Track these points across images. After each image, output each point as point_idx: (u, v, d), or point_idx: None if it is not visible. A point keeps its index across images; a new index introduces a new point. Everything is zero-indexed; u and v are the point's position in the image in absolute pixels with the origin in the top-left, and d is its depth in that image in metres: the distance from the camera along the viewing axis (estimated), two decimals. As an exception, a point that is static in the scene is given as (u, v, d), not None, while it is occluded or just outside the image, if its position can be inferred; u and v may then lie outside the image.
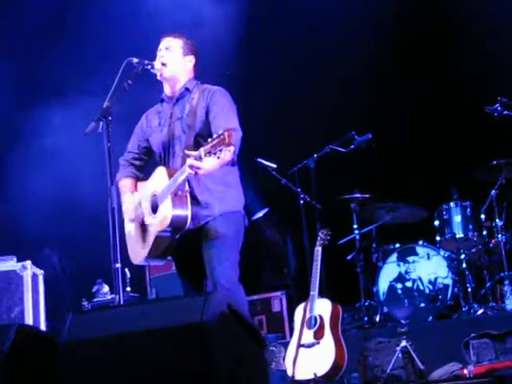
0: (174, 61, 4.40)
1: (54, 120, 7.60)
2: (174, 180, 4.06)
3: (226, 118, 4.22)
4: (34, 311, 6.36)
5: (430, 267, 6.61)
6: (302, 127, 7.69)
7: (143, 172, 4.59)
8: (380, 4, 7.54)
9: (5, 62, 7.60)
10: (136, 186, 4.49)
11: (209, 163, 3.85)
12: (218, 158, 3.74)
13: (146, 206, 4.30)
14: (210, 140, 3.75)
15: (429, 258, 6.64)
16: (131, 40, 6.98)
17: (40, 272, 6.71)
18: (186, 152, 3.91)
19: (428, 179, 7.29)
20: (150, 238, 4.22)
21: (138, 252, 4.36)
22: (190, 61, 4.47)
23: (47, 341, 3.17)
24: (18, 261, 6.51)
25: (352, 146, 6.57)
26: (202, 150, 3.77)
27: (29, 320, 6.25)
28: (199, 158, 3.79)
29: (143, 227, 4.31)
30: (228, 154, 3.81)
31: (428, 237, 6.81)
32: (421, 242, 6.73)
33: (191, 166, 3.85)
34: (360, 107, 7.58)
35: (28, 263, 6.47)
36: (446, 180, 6.90)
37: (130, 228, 4.41)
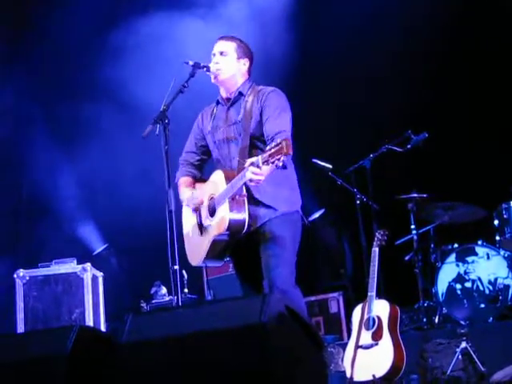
0: (228, 65, 4.39)
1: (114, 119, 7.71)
2: (231, 185, 4.07)
3: (278, 121, 4.21)
4: (94, 313, 6.46)
5: (489, 267, 6.50)
6: (358, 127, 7.64)
7: (202, 171, 4.62)
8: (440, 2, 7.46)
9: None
10: (194, 185, 4.52)
11: (266, 171, 3.85)
12: (277, 166, 3.73)
13: (204, 208, 4.33)
14: (268, 148, 3.73)
15: (488, 258, 6.53)
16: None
17: (100, 274, 6.81)
18: (246, 165, 3.88)
19: (486, 177, 7.16)
20: (208, 242, 4.25)
21: (196, 254, 4.40)
22: (245, 64, 4.45)
23: (107, 342, 3.20)
24: (78, 263, 6.62)
25: (408, 146, 6.50)
26: (260, 158, 3.75)
27: (89, 321, 6.35)
28: (257, 167, 3.79)
29: (201, 230, 4.35)
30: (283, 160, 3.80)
31: (487, 236, 6.70)
32: (480, 242, 6.63)
33: (253, 173, 3.82)
34: (416, 106, 7.50)
35: (88, 265, 6.57)
36: (506, 178, 6.78)
37: (189, 229, 4.45)
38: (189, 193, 4.45)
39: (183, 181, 4.55)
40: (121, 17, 7.85)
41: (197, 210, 4.39)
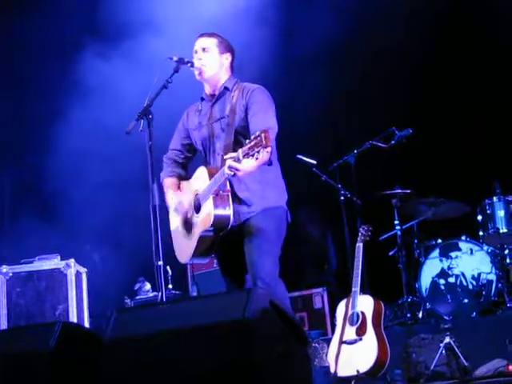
0: (211, 61, 4.41)
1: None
2: (214, 180, 4.09)
3: (264, 118, 4.23)
4: (77, 309, 6.44)
5: (473, 263, 6.53)
6: (342, 123, 7.65)
7: (187, 169, 4.63)
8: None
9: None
10: (179, 185, 4.53)
11: (247, 164, 3.87)
12: (257, 159, 3.75)
13: (190, 205, 4.34)
14: (247, 142, 3.76)
15: (472, 253, 6.56)
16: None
17: (83, 270, 6.79)
18: (225, 157, 3.93)
19: (470, 174, 7.20)
20: (194, 238, 4.27)
21: (183, 251, 4.42)
22: (227, 58, 4.47)
23: (91, 338, 3.20)
24: (62, 259, 6.60)
25: (393, 142, 6.52)
26: (240, 151, 3.79)
27: (73, 318, 6.33)
28: (238, 160, 3.81)
29: (187, 227, 4.36)
30: (266, 154, 3.83)
31: (471, 232, 6.73)
32: (464, 238, 6.65)
33: (230, 168, 3.86)
34: (400, 102, 7.52)
35: (72, 261, 6.55)
36: (489, 174, 6.81)
37: (176, 227, 4.46)
38: (172, 198, 4.48)
39: (167, 182, 4.57)
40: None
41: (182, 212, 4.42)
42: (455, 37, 7.53)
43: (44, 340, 3.06)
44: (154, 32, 7.42)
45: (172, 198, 4.50)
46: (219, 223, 4.13)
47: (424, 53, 7.56)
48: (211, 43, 4.43)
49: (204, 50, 4.42)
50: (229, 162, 3.85)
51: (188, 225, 4.37)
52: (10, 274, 6.48)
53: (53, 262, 6.57)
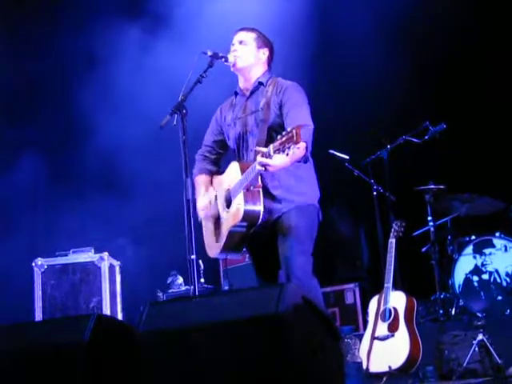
0: (247, 53, 4.42)
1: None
2: (245, 175, 4.09)
3: (299, 114, 4.22)
4: (111, 301, 6.50)
5: (507, 259, 6.48)
6: (376, 118, 7.61)
7: (219, 165, 4.64)
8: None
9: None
10: (211, 181, 4.55)
11: (278, 160, 3.85)
12: (287, 154, 3.74)
13: (221, 200, 4.35)
14: (279, 137, 3.75)
15: (506, 250, 6.51)
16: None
17: (117, 263, 6.85)
18: (257, 149, 3.93)
19: (505, 170, 7.13)
20: (224, 233, 4.28)
21: (213, 246, 4.43)
22: (264, 53, 4.48)
23: (126, 331, 3.22)
24: (96, 252, 6.66)
25: (426, 137, 6.48)
26: (271, 147, 3.77)
27: (106, 310, 6.40)
28: (268, 155, 3.80)
29: (218, 222, 4.37)
30: (297, 150, 3.80)
31: (505, 229, 6.66)
32: (498, 234, 6.59)
33: (260, 164, 3.86)
34: (434, 96, 7.46)
35: (105, 254, 6.62)
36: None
37: (206, 221, 4.47)
38: (202, 196, 4.49)
39: (199, 180, 4.58)
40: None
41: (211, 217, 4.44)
42: (492, 30, 7.43)
43: (79, 332, 3.09)
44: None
45: (202, 195, 4.51)
46: (249, 218, 4.13)
47: (459, 46, 7.48)
48: (249, 37, 4.44)
49: (241, 42, 4.43)
50: (259, 159, 3.85)
51: (218, 219, 4.38)
52: (45, 267, 6.57)
53: (87, 255, 6.64)
